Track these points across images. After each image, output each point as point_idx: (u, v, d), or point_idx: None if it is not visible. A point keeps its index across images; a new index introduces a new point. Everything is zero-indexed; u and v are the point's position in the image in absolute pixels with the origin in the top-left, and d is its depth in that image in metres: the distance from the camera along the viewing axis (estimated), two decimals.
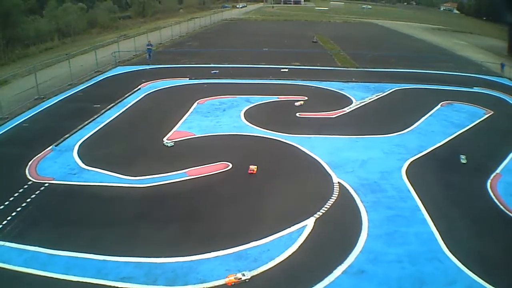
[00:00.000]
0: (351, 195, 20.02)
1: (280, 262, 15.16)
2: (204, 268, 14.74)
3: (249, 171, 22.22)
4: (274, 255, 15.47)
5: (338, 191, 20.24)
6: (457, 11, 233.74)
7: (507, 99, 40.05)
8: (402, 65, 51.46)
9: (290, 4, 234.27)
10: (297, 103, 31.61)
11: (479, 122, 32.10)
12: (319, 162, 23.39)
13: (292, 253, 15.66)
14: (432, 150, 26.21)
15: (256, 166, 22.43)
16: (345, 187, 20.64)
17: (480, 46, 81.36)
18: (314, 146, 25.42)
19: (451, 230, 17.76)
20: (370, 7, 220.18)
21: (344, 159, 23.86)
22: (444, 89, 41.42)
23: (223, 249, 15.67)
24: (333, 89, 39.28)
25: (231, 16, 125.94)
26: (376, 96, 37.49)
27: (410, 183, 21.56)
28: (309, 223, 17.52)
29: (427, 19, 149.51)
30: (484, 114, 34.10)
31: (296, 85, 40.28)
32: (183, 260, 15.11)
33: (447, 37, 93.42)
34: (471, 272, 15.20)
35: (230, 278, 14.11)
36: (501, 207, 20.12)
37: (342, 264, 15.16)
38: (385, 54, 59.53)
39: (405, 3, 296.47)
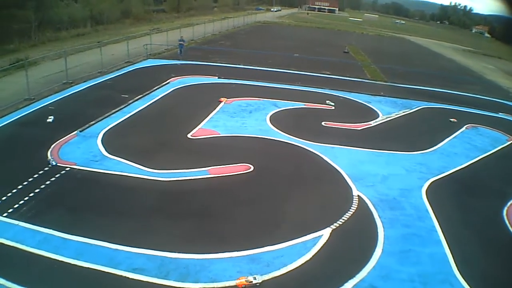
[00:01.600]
0: (370, 209, 19.93)
1: (293, 269, 15.10)
2: (216, 267, 14.74)
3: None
4: (287, 261, 15.42)
5: (357, 204, 20.18)
6: (488, 35, 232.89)
7: None
8: (430, 84, 51.15)
9: (324, 12, 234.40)
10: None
11: (501, 148, 31.91)
12: (341, 173, 23.33)
13: (305, 262, 15.59)
14: (453, 172, 26.03)
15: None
16: (364, 201, 20.55)
17: (508, 72, 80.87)
18: (337, 157, 25.35)
19: (465, 254, 17.63)
20: (403, 22, 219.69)
21: (365, 173, 23.78)
22: (469, 112, 41.16)
23: (237, 251, 15.66)
24: (360, 101, 39.18)
25: (264, 18, 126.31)
26: (403, 112, 37.34)
27: (429, 203, 21.41)
28: (325, 233, 17.46)
29: (458, 40, 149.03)
30: (506, 140, 33.92)
31: (324, 93, 40.12)
32: (196, 257, 15.12)
33: (477, 60, 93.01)
34: None
35: (241, 280, 14.11)
36: None
37: (354, 278, 15.07)
38: (415, 70, 59.22)
39: (438, 22, 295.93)
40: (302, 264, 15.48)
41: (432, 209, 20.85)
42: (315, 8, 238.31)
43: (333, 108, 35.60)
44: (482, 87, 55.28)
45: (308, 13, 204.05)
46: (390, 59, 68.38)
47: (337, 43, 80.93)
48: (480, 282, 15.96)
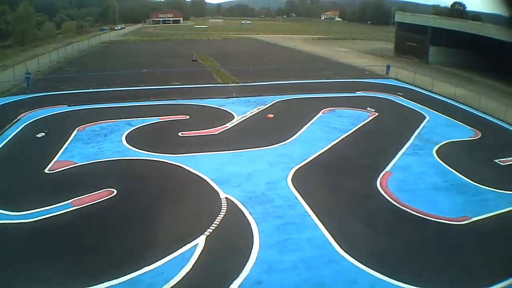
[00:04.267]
0: (240, 208, 20.20)
1: (176, 283, 14.99)
2: None
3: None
4: (169, 277, 15.26)
5: (226, 206, 20.32)
6: (339, 19, 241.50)
7: (392, 99, 42.06)
8: (282, 77, 52.56)
9: (169, 23, 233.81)
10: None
11: (363, 125, 33.33)
12: (205, 180, 23.38)
13: (187, 273, 15.51)
14: (316, 157, 26.97)
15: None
16: (233, 202, 20.77)
17: (364, 51, 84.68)
18: (199, 164, 25.36)
19: (344, 232, 18.45)
20: (249, 22, 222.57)
21: (229, 174, 24.03)
22: (325, 97, 42.73)
23: (116, 278, 15.20)
24: (214, 106, 39.44)
25: (109, 38, 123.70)
26: (258, 109, 38.12)
27: (297, 191, 22.04)
28: (200, 241, 17.44)
29: (308, 30, 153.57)
30: (368, 116, 35.35)
31: (177, 104, 39.95)
32: None
33: (328, 46, 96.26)
34: (372, 271, 15.80)
35: None
36: (395, 203, 21.28)
37: (238, 278, 15.25)
38: (265, 67, 60.48)
39: (285, 16, 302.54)
40: (184, 276, 15.38)
41: (301, 196, 21.49)
42: (159, 21, 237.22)
43: (188, 117, 35.49)
44: (336, 71, 57.53)
45: (155, 27, 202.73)
46: (239, 61, 69.43)
47: (185, 53, 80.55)
48: (368, 255, 16.80)
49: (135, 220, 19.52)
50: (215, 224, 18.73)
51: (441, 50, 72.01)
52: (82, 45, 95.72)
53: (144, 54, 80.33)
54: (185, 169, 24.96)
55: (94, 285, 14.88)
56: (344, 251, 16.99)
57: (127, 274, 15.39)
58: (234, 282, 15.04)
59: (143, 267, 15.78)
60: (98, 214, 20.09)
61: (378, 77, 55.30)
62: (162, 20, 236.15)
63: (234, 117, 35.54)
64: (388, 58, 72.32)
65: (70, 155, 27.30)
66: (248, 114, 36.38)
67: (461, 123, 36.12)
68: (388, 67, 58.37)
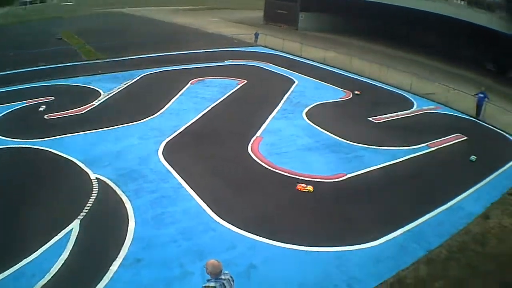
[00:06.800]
0: (112, 187, 19.93)
1: (56, 271, 14.55)
2: None
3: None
4: (48, 266, 14.75)
5: (97, 186, 19.96)
6: None
7: (259, 66, 42.70)
8: (149, 50, 51.67)
9: (37, 3, 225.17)
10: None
11: (232, 93, 33.73)
12: (74, 162, 22.56)
13: (65, 260, 15.11)
14: (186, 128, 27.22)
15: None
16: (104, 182, 20.39)
17: (234, 20, 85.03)
18: (67, 147, 24.33)
19: (219, 199, 18.91)
20: None
21: (99, 154, 23.41)
22: (194, 67, 42.91)
23: None
24: (79, 84, 37.67)
25: None
26: (125, 84, 37.33)
27: (169, 164, 22.16)
28: (75, 225, 17.05)
29: (178, 1, 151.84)
30: (237, 84, 35.76)
31: (41, 86, 37.43)
32: None
33: (198, 17, 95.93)
34: (251, 234, 16.38)
35: None
36: (267, 166, 22.03)
37: (117, 258, 15.17)
38: (132, 41, 59.43)
39: None
40: (64, 263, 14.99)
41: (173, 169, 21.67)
42: (26, 1, 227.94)
43: (53, 98, 33.32)
44: (205, 41, 57.32)
45: (24, 8, 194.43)
46: (106, 36, 67.35)
47: (50, 31, 77.07)
48: (245, 220, 17.39)
49: (4, 212, 18.48)
50: (88, 206, 18.35)
51: (311, 15, 73.97)
52: None
53: (12, 37, 76.34)
54: (53, 152, 23.79)
55: None
56: (221, 218, 17.42)
57: (9, 268, 14.66)
58: (114, 263, 14.94)
59: (23, 259, 15.12)
60: None
61: (247, 45, 55.85)
62: (29, 1, 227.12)
63: (100, 94, 34.39)
64: (257, 26, 73.01)
65: None
66: (115, 90, 35.47)
67: (332, 85, 37.43)
68: (256, 35, 59.37)
